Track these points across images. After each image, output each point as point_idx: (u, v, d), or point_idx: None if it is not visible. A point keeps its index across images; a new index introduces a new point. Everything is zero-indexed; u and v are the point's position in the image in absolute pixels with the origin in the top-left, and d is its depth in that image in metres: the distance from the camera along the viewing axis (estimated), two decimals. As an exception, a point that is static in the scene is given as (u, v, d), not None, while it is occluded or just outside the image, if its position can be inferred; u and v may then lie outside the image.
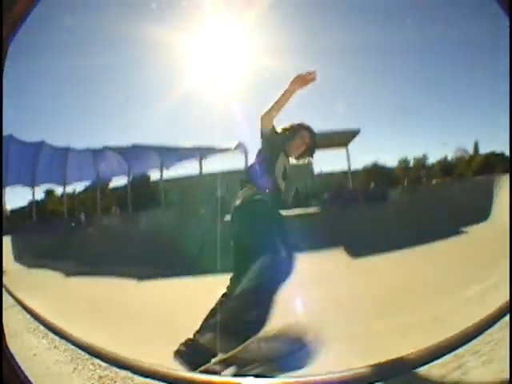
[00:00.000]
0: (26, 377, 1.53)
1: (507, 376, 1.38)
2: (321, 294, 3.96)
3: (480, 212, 8.02)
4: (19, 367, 1.52)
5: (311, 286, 4.06)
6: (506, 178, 8.90)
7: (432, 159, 15.37)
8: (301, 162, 2.83)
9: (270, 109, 2.52)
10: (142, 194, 14.27)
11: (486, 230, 7.37)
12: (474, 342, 1.76)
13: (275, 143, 2.63)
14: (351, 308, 3.59)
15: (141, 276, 6.35)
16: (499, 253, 3.21)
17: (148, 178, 14.98)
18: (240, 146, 12.08)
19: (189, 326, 2.19)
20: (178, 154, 13.26)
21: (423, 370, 1.65)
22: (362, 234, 7.46)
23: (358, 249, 6.64)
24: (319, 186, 14.34)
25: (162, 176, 13.64)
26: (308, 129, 2.79)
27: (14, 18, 1.54)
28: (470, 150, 14.82)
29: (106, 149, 13.58)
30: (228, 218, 2.42)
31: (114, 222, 12.96)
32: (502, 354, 1.52)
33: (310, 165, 14.49)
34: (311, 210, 9.70)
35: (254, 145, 2.61)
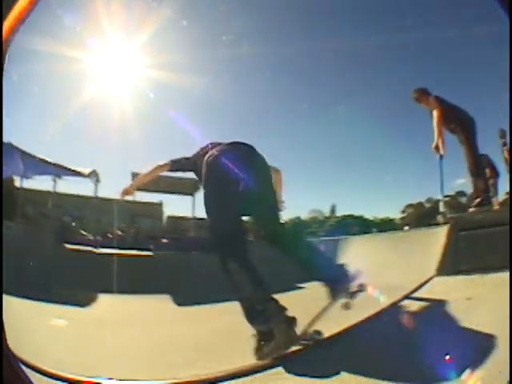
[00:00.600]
0: (26, 377, 1.54)
1: (507, 376, 1.41)
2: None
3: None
4: (19, 367, 1.53)
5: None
6: (355, 239, 9.71)
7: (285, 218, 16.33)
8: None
9: None
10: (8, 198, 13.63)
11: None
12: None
13: None
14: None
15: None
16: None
17: (13, 181, 14.51)
18: (92, 174, 11.63)
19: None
20: (37, 166, 12.80)
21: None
22: (190, 284, 7.48)
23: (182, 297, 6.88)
24: (166, 227, 14.47)
25: (21, 185, 12.92)
26: None
27: (14, 17, 1.56)
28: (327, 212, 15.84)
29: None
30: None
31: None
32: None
33: (159, 205, 14.67)
34: (145, 253, 9.76)
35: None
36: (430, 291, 3.17)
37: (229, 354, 3.97)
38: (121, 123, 13.78)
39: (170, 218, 14.65)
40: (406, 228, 11.55)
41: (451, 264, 3.18)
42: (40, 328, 4.70)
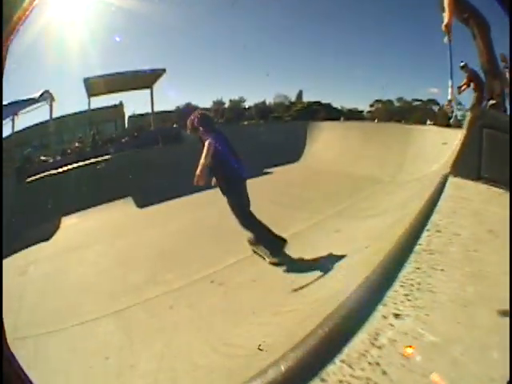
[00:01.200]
0: (26, 376, 1.55)
1: (507, 376, 1.32)
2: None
3: (288, 153, 9.01)
4: (19, 367, 1.55)
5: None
6: (324, 124, 10.21)
7: (250, 102, 15.34)
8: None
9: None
10: None
11: (293, 170, 8.46)
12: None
13: None
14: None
15: None
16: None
17: None
18: (43, 96, 10.78)
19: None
20: None
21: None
22: (147, 181, 7.96)
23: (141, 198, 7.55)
24: (129, 128, 13.88)
25: None
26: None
27: (14, 18, 1.65)
28: (293, 98, 14.91)
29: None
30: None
31: None
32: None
33: (119, 106, 13.77)
34: (103, 157, 9.62)
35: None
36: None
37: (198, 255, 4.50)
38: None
39: (132, 117, 13.97)
40: (376, 121, 11.55)
41: (471, 165, 2.91)
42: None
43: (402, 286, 1.64)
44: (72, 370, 2.94)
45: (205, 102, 17.08)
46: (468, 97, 5.61)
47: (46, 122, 11.17)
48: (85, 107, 11.68)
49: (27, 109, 11.21)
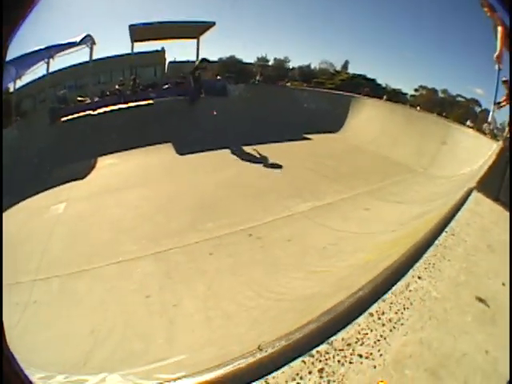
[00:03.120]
0: (26, 377, 1.61)
1: (507, 376, 1.62)
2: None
3: (329, 123, 9.52)
4: (19, 367, 1.59)
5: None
6: (368, 101, 10.56)
7: (294, 64, 15.27)
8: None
9: None
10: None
11: (332, 141, 8.98)
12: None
13: None
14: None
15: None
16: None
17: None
18: (84, 40, 10.85)
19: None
20: (28, 59, 11.18)
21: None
22: (186, 132, 8.21)
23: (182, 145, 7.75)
24: (168, 74, 13.75)
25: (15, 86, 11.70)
26: None
27: (14, 17, 1.61)
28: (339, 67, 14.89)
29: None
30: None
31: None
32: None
33: (161, 52, 13.53)
34: (145, 102, 9.93)
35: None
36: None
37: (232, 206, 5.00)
38: None
39: (172, 63, 14.22)
40: (418, 108, 11.83)
41: (492, 186, 3.73)
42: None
43: (424, 264, 2.53)
44: (108, 308, 3.18)
45: (249, 57, 17.23)
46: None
47: (84, 63, 11.23)
48: (126, 51, 11.94)
49: (65, 52, 11.39)
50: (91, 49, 11.32)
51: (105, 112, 9.29)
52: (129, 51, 11.88)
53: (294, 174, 6.26)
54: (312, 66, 15.71)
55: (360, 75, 14.13)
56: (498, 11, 5.25)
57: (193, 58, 14.02)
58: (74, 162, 7.04)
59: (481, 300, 2.20)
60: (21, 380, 1.58)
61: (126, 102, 9.71)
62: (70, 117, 9.17)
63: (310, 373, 1.69)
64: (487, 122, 6.21)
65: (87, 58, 11.32)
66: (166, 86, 12.04)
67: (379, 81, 13.69)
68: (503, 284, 2.35)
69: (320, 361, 1.75)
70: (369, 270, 2.54)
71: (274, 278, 3.37)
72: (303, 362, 1.74)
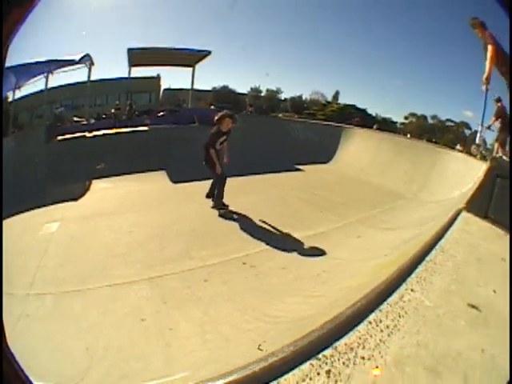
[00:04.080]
0: (26, 376, 1.63)
1: (507, 376, 1.65)
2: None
3: (320, 154, 10.02)
4: (19, 367, 1.62)
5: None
6: (359, 130, 10.95)
7: (286, 95, 16.78)
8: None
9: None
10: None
11: (323, 172, 9.45)
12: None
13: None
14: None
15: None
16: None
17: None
18: (84, 59, 11.64)
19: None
20: (27, 70, 11.82)
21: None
22: (181, 160, 8.45)
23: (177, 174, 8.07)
24: (162, 101, 14.57)
25: (14, 96, 12.07)
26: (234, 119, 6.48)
27: (14, 17, 1.64)
28: (329, 97, 16.26)
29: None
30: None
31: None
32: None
33: (156, 79, 14.39)
34: (140, 128, 10.33)
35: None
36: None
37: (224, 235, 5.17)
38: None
39: (167, 90, 14.68)
40: (408, 136, 12.34)
41: (481, 205, 3.99)
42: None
43: (415, 278, 2.73)
44: (103, 328, 3.21)
45: (242, 87, 17.82)
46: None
47: (82, 83, 11.88)
48: (122, 75, 12.49)
49: (64, 69, 11.98)
50: (89, 69, 11.94)
51: (102, 135, 9.64)
52: (126, 75, 12.40)
53: (287, 205, 6.46)
54: (303, 97, 16.62)
55: (351, 105, 14.80)
56: (488, 29, 5.61)
57: (187, 85, 14.52)
58: (69, 182, 7.26)
59: (473, 306, 2.37)
60: (21, 380, 1.60)
61: (122, 127, 10.08)
62: (66, 136, 9.54)
63: (318, 374, 1.85)
64: (475, 144, 6.54)
65: (85, 78, 11.94)
66: (161, 113, 12.61)
67: (370, 110, 14.38)
68: (494, 291, 2.54)
69: (326, 363, 1.90)
70: (362, 290, 2.70)
71: (270, 303, 3.47)
72: (311, 364, 1.90)
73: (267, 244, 4.84)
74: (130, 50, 11.83)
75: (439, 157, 7.93)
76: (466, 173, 6.12)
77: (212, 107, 14.14)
